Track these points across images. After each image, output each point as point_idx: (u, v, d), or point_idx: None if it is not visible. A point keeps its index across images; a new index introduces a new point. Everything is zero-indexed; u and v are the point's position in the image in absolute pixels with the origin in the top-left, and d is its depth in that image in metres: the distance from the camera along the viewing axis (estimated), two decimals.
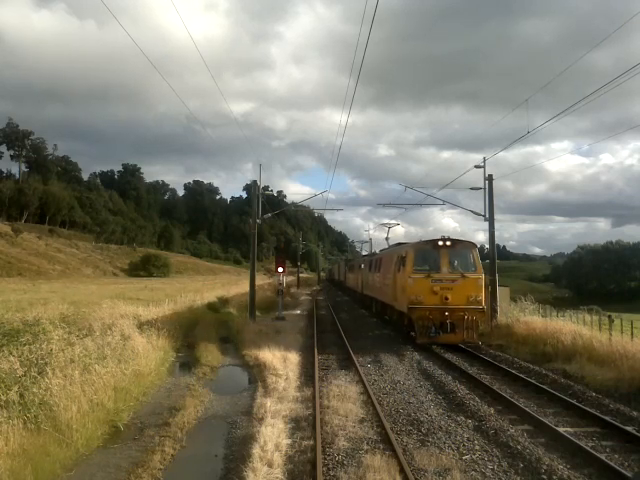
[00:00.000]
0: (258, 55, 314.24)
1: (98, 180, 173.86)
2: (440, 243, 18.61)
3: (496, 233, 24.92)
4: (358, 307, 37.92)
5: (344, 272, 57.02)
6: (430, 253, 18.74)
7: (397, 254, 21.00)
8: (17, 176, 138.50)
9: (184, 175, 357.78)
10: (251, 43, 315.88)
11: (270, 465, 7.53)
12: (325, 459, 7.91)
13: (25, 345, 10.71)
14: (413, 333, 19.03)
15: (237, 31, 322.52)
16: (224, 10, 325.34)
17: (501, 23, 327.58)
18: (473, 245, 19.21)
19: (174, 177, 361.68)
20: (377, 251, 42.52)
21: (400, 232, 46.16)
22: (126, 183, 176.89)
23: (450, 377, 14.01)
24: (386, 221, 34.85)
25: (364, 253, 73.86)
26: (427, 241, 19.17)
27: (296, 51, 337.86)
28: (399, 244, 24.74)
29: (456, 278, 18.16)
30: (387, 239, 32.62)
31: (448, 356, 17.05)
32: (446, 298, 17.86)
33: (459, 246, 18.84)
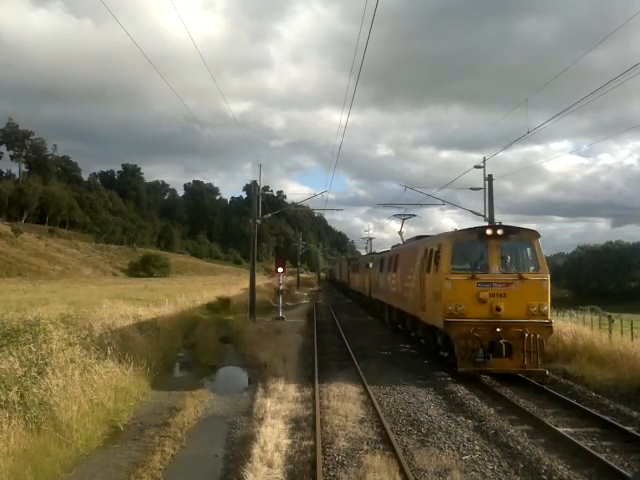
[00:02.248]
0: (256, 54, 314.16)
1: (98, 180, 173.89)
2: (489, 232, 13.55)
3: None
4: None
5: (347, 272, 51.62)
6: (474, 246, 13.78)
7: (424, 248, 15.89)
8: (17, 176, 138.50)
9: (183, 175, 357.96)
10: (249, 42, 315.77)
11: (270, 465, 7.52)
12: (325, 459, 7.91)
13: (25, 345, 10.71)
14: (445, 353, 14.92)
15: (235, 30, 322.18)
16: (222, 9, 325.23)
17: (501, 23, 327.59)
18: (535, 234, 13.97)
19: (173, 177, 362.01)
20: (375, 251, 41.16)
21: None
22: (126, 183, 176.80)
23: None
24: (398, 213, 28.37)
25: (364, 253, 73.66)
26: (470, 230, 14.19)
27: (295, 50, 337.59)
28: (420, 237, 19.61)
29: (512, 280, 13.22)
30: (401, 233, 26.07)
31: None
32: (498, 308, 12.94)
33: (515, 236, 13.78)
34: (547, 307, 13.25)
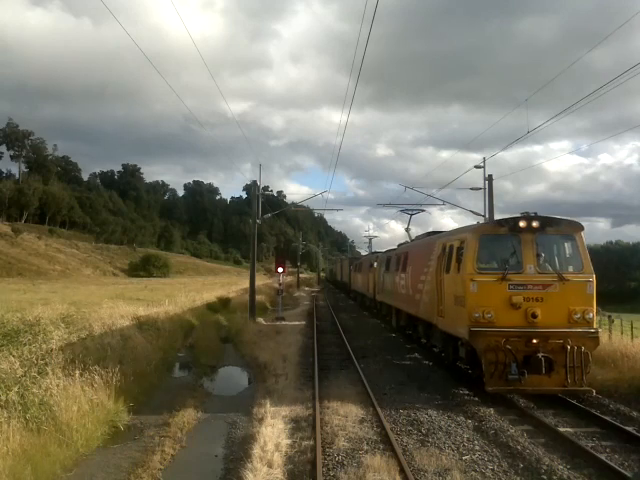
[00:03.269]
0: (255, 54, 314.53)
1: (98, 180, 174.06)
2: (522, 224, 11.46)
3: None
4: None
5: (348, 272, 49.33)
6: (505, 241, 11.65)
7: (442, 244, 13.84)
8: (17, 176, 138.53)
9: (183, 175, 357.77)
10: (248, 42, 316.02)
11: (270, 465, 7.52)
12: (325, 459, 7.91)
13: (25, 345, 10.72)
14: (464, 366, 13.17)
15: (234, 30, 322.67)
16: (221, 9, 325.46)
17: (500, 22, 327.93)
18: (577, 226, 11.92)
19: (172, 177, 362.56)
20: (376, 251, 40.38)
21: (400, 231, 45.18)
22: (126, 183, 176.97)
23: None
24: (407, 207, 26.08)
25: (364, 253, 73.42)
26: (500, 221, 12.07)
27: (294, 50, 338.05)
28: (433, 233, 17.50)
29: (550, 282, 11.19)
30: (408, 230, 23.80)
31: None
32: (534, 315, 10.95)
33: (554, 228, 11.69)
34: (592, 314, 11.24)
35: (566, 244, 11.89)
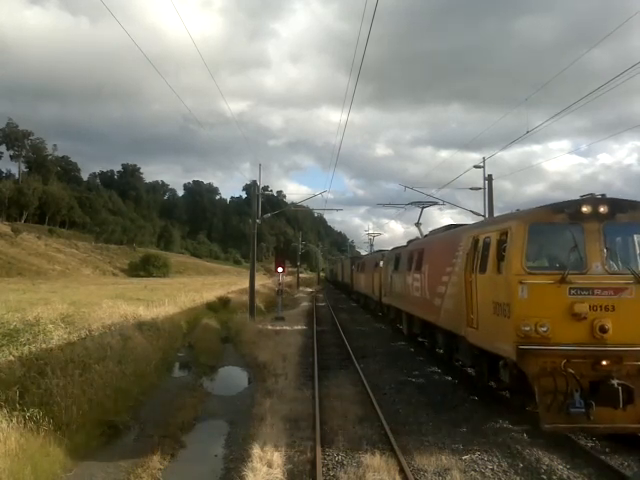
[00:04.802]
0: (254, 53, 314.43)
1: (98, 180, 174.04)
2: (586, 209, 8.86)
3: None
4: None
5: (350, 272, 46.58)
6: (563, 231, 9.01)
7: (471, 238, 11.28)
8: (17, 176, 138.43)
9: (182, 175, 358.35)
10: (247, 41, 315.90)
11: (270, 465, 7.53)
12: (325, 459, 7.91)
13: (25, 345, 10.73)
14: (500, 389, 11.00)
15: (233, 29, 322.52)
16: (219, 8, 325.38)
17: (500, 22, 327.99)
18: None
19: (171, 177, 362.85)
20: (380, 250, 39.14)
21: (399, 231, 44.72)
22: (126, 183, 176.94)
23: None
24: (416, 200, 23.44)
25: (363, 253, 73.18)
26: (555, 207, 9.22)
27: (293, 49, 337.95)
28: (452, 226, 15.35)
29: (624, 285, 8.63)
30: (419, 225, 21.41)
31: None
32: (603, 329, 8.43)
33: (628, 214, 8.99)
34: None
35: None
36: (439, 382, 13.22)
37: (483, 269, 10.27)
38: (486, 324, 10.04)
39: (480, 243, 10.71)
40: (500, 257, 9.59)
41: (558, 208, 9.11)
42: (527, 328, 8.57)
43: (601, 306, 8.53)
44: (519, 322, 8.64)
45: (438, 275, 13.67)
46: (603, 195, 9.43)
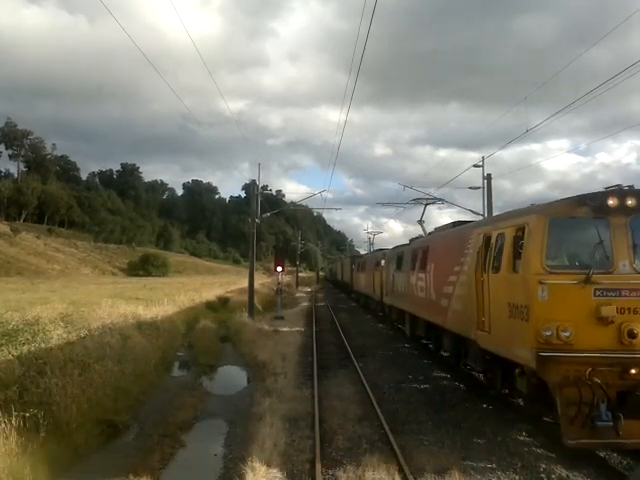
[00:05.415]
0: (253, 52, 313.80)
1: (97, 179, 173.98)
2: (612, 201, 8.13)
3: None
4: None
5: (350, 271, 45.78)
6: (587, 226, 8.29)
7: (482, 234, 10.62)
8: (16, 175, 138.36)
9: (180, 174, 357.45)
10: (246, 40, 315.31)
11: (269, 464, 7.54)
12: (324, 458, 7.91)
13: (24, 345, 10.72)
14: (513, 397, 10.31)
15: (231, 28, 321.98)
16: (218, 7, 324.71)
17: (499, 20, 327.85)
18: None
19: (171, 176, 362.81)
20: (364, 252, 38.41)
21: (399, 230, 44.39)
22: (125, 182, 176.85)
23: None
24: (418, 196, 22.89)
25: (363, 252, 73.09)
26: (578, 199, 8.40)
27: (291, 48, 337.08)
28: (459, 223, 14.65)
29: None
30: (421, 222, 20.54)
31: None
32: (632, 334, 7.76)
33: None
34: None
35: None
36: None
37: (496, 268, 9.57)
38: (500, 328, 9.34)
39: (493, 240, 9.96)
40: (516, 255, 8.87)
41: (581, 201, 8.30)
42: (548, 333, 7.86)
43: (629, 309, 7.82)
44: (539, 326, 7.92)
45: (445, 275, 13.00)
46: (631, 186, 8.60)
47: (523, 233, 8.70)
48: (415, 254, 17.09)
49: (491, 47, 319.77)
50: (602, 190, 8.56)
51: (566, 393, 7.57)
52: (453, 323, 12.31)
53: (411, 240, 20.53)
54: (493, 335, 9.63)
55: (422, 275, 15.65)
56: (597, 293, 7.84)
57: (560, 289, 7.93)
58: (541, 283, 7.96)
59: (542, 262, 8.11)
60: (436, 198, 23.06)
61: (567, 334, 7.76)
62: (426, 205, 21.75)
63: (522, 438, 8.82)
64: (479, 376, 12.37)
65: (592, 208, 8.16)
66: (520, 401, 10.08)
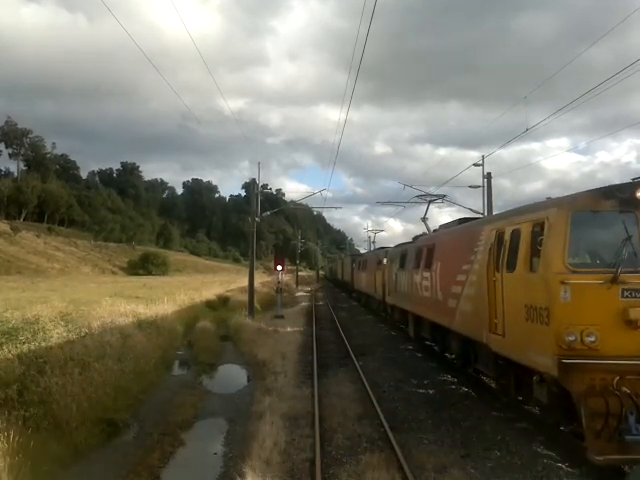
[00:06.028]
0: (252, 51, 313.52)
1: (97, 178, 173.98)
2: None
3: None
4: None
5: (351, 270, 45.00)
6: (613, 221, 7.56)
7: (494, 231, 9.90)
8: (15, 174, 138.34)
9: (180, 173, 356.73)
10: (245, 39, 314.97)
11: (269, 463, 7.54)
12: (324, 457, 7.92)
13: (24, 343, 10.73)
14: (532, 407, 9.39)
15: (231, 27, 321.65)
16: (217, 6, 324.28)
17: (499, 19, 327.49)
18: None
19: (171, 175, 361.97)
20: (364, 251, 37.77)
21: (398, 229, 44.32)
22: (125, 181, 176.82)
23: None
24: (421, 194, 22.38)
25: (363, 251, 73.02)
26: (603, 192, 7.66)
27: (291, 47, 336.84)
28: (466, 220, 14.09)
29: None
30: (425, 220, 19.77)
31: None
32: None
33: None
34: None
35: None
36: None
37: (511, 267, 8.82)
38: (515, 331, 8.59)
39: (506, 236, 9.21)
40: (534, 252, 8.13)
41: (608, 193, 7.56)
42: (571, 338, 7.15)
43: None
44: (561, 330, 7.21)
45: (452, 274, 12.27)
46: None
47: (542, 228, 7.94)
48: (420, 252, 16.32)
49: (491, 46, 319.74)
50: (630, 181, 7.84)
51: (591, 404, 6.91)
52: (461, 325, 11.66)
53: (414, 238, 19.85)
54: (508, 339, 8.90)
55: (427, 274, 14.99)
56: (625, 294, 7.20)
57: (584, 290, 7.22)
58: (563, 283, 7.24)
59: (564, 260, 7.38)
60: (439, 195, 22.60)
61: (592, 339, 7.11)
62: (430, 202, 21.30)
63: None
64: (489, 381, 11.86)
65: (619, 201, 7.45)
66: (537, 409, 9.24)
